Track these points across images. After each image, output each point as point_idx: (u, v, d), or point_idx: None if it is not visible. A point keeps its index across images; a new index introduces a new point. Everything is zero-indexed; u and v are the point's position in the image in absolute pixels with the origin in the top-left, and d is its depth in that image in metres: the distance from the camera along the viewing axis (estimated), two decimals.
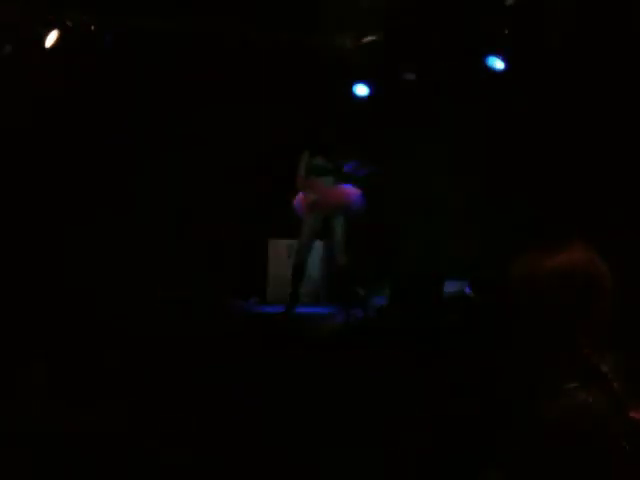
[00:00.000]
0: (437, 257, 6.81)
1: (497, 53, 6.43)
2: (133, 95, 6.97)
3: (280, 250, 7.45)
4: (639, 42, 5.80)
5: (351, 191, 6.80)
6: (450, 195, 7.25)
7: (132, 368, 4.71)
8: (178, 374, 4.66)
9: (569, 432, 1.62)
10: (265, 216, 7.55)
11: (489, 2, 6.36)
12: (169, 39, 6.54)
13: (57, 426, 3.90)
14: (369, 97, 7.16)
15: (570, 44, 6.12)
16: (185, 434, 4.04)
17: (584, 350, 1.71)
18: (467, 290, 6.15)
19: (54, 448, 3.71)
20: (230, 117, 7.32)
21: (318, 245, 7.18)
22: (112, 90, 6.80)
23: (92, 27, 5.87)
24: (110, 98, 6.80)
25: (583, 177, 6.33)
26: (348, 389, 4.40)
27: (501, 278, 1.85)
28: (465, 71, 6.71)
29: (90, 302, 5.85)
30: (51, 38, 5.79)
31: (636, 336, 3.11)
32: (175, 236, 7.30)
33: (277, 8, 6.33)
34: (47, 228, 6.55)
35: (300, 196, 6.84)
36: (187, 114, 7.19)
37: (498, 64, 6.46)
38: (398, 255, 7.24)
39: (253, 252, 7.66)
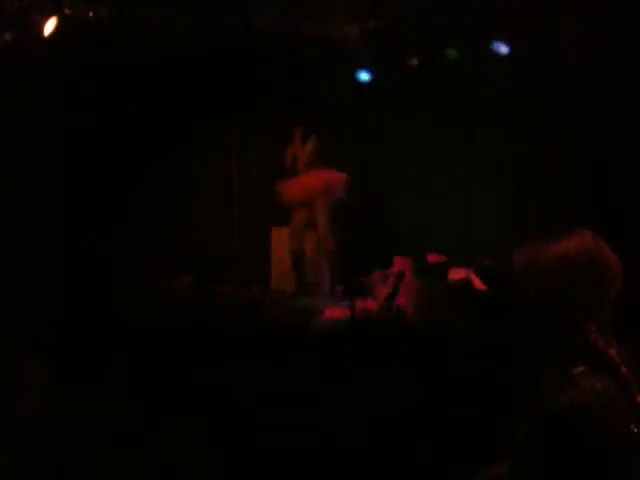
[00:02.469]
0: (443, 243, 6.77)
1: (501, 38, 6.38)
2: (132, 84, 6.94)
3: (283, 238, 7.44)
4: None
5: (332, 175, 6.81)
6: (456, 181, 7.23)
7: (134, 366, 4.70)
8: (176, 370, 4.65)
9: (578, 417, 1.60)
10: (268, 204, 7.54)
11: None
12: (169, 26, 6.52)
13: (58, 424, 3.89)
14: (372, 82, 7.14)
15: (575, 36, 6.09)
16: (184, 433, 4.03)
17: (591, 335, 1.69)
18: (473, 278, 6.11)
19: (54, 447, 3.70)
20: (231, 106, 7.31)
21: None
22: (111, 78, 6.77)
23: (91, 14, 5.85)
24: (109, 86, 6.77)
25: (588, 167, 6.29)
26: (351, 385, 4.38)
27: (507, 265, 1.84)
28: (469, 57, 6.67)
29: (92, 297, 5.84)
30: (49, 26, 5.75)
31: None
32: (174, 227, 7.29)
33: None
34: (44, 222, 6.51)
35: (284, 185, 6.85)
36: (187, 103, 7.17)
37: (503, 49, 6.41)
38: (403, 241, 7.20)
39: (256, 240, 7.65)
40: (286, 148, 7.09)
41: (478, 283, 5.87)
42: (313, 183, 6.80)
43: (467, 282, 6.02)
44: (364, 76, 7.10)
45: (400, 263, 6.12)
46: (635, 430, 1.64)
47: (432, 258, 6.37)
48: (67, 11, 5.77)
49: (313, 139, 6.89)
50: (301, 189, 6.81)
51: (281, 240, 7.46)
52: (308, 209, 6.87)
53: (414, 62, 6.84)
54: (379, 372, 4.54)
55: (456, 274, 6.11)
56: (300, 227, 6.96)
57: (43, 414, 3.99)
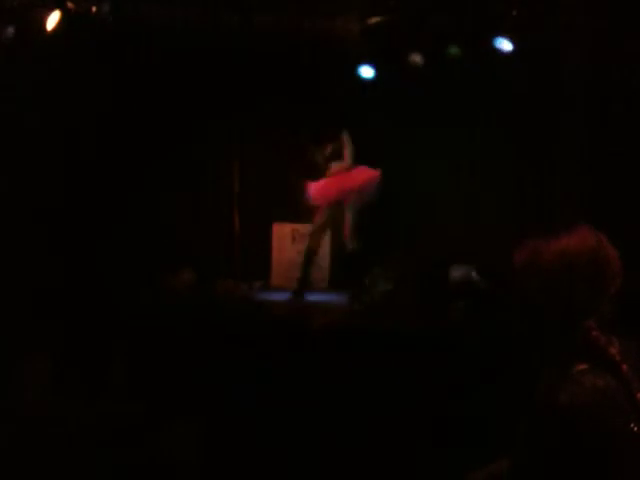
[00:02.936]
0: (444, 242, 6.76)
1: (505, 34, 6.36)
2: (133, 81, 6.94)
3: (284, 234, 7.43)
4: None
5: (368, 174, 6.71)
6: (457, 180, 7.23)
7: (134, 365, 4.69)
8: (176, 370, 4.64)
9: (578, 415, 1.60)
10: (269, 200, 7.53)
11: None
12: (170, 22, 6.51)
13: (59, 423, 3.89)
14: (374, 80, 7.11)
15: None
16: (184, 432, 4.02)
17: (592, 333, 1.69)
18: (474, 275, 6.11)
19: (54, 447, 3.69)
20: (232, 104, 7.30)
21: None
22: (113, 73, 6.77)
23: (93, 9, 5.84)
24: (110, 84, 6.77)
25: (588, 166, 6.29)
26: (351, 385, 4.38)
27: (508, 262, 1.83)
28: (473, 53, 6.65)
29: (93, 295, 5.83)
30: (52, 20, 5.74)
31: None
32: (175, 224, 7.28)
33: None
34: (45, 220, 6.50)
35: (316, 185, 6.76)
36: (189, 101, 7.16)
37: (506, 45, 6.39)
38: (403, 240, 7.19)
39: (257, 236, 7.63)
40: (287, 145, 7.07)
41: (478, 282, 5.88)
42: (351, 183, 6.68)
43: (467, 281, 6.03)
44: (367, 73, 7.05)
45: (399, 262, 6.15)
46: (636, 428, 1.63)
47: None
48: (70, 5, 5.74)
49: (344, 137, 6.78)
50: (338, 189, 6.66)
51: (282, 236, 7.46)
52: (336, 208, 6.76)
53: (415, 60, 6.82)
54: (379, 372, 4.53)
55: (456, 273, 6.13)
56: (323, 226, 6.87)
57: (43, 414, 3.98)
